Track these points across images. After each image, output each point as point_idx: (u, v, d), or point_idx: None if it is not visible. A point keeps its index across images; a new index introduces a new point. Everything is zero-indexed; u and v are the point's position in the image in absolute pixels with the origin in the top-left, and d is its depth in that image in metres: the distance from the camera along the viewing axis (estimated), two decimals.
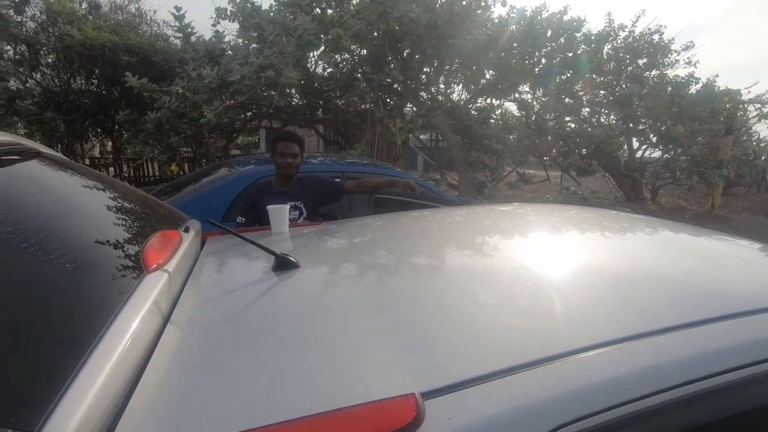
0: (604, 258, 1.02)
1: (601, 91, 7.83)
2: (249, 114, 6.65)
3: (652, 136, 7.96)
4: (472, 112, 6.68)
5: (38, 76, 6.01)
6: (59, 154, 1.11)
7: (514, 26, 6.00)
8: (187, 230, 1.03)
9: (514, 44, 6.15)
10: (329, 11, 5.12)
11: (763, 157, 9.75)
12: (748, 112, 9.09)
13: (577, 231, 1.32)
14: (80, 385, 0.48)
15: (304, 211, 2.15)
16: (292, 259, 0.94)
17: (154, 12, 6.78)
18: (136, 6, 6.85)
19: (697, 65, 7.50)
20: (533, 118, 7.63)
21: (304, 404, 0.52)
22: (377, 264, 1.05)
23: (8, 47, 5.46)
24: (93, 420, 0.47)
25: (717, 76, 7.42)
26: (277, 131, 7.47)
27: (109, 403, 0.50)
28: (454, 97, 7.12)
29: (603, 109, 7.98)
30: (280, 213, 1.33)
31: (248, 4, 5.34)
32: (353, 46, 5.66)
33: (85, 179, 1.02)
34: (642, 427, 0.55)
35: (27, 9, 5.23)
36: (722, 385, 0.60)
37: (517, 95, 7.44)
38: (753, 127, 9.76)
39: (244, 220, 2.13)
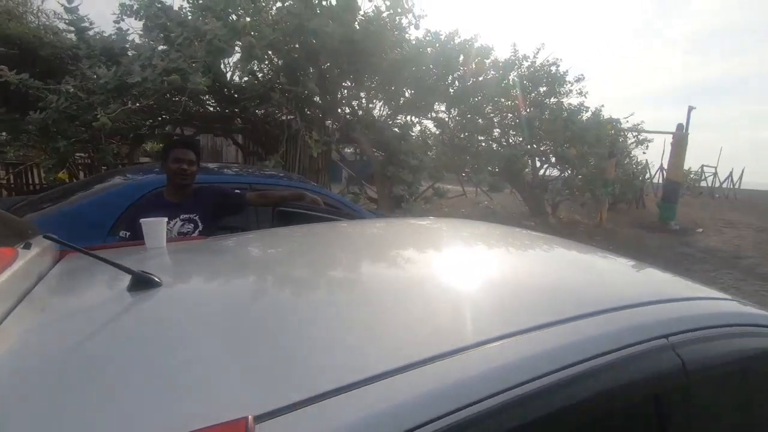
0: (490, 269, 1.09)
1: (509, 114, 8.54)
2: (158, 120, 6.18)
3: (551, 156, 8.81)
4: (394, 129, 6.88)
5: None
6: None
7: (429, 48, 6.33)
8: (28, 246, 0.91)
9: (430, 66, 6.49)
10: (248, 19, 4.97)
11: (640, 178, 11.27)
12: (627, 139, 10.47)
13: (466, 243, 1.39)
14: None
15: (199, 224, 2.02)
16: (154, 277, 0.87)
17: (42, 1, 6.01)
18: None
19: (587, 95, 8.52)
20: (449, 136, 8.06)
21: None
22: (249, 280, 1.01)
23: None
24: None
25: (603, 105, 8.46)
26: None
27: None
28: (376, 113, 7.30)
29: (510, 131, 8.69)
30: (155, 226, 1.23)
31: (157, 4, 5.01)
32: (271, 56, 5.56)
33: None
34: (497, 420, 0.59)
35: None
36: (582, 373, 0.67)
37: (434, 114, 7.83)
38: (632, 152, 11.28)
39: (128, 234, 1.95)
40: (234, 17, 4.97)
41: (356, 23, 4.87)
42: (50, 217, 2.48)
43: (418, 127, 8.16)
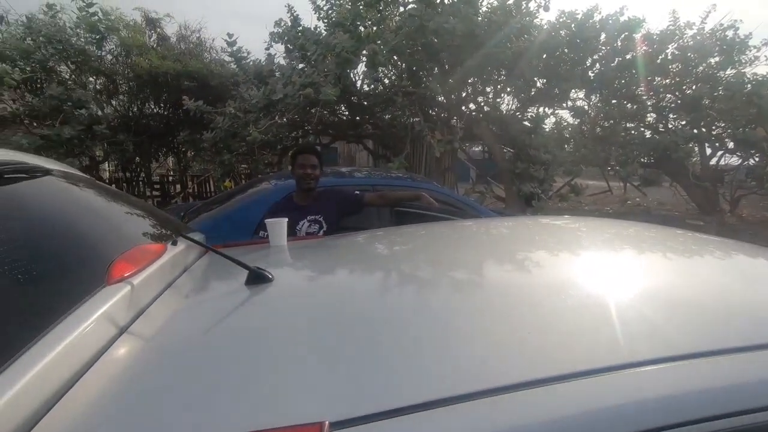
0: (643, 277, 0.91)
1: (667, 95, 7.24)
2: (301, 131, 6.91)
3: (727, 141, 7.19)
4: (524, 122, 6.46)
5: (116, 103, 6.70)
6: (72, 170, 1.21)
7: (563, 31, 5.76)
8: (175, 243, 1.07)
9: (565, 50, 5.90)
10: (374, 28, 5.23)
11: None
12: None
13: (621, 248, 1.19)
14: None
15: (324, 224, 2.17)
16: (266, 273, 0.94)
17: (213, 40, 7.37)
18: (197, 36, 7.46)
19: None
20: (588, 126, 7.21)
21: (201, 428, 0.50)
22: (358, 278, 1.02)
23: (91, 79, 6.16)
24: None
25: None
26: (325, 146, 7.72)
27: (24, 412, 0.52)
28: (504, 107, 6.94)
29: (670, 114, 7.36)
30: (277, 226, 1.35)
31: (298, 28, 5.62)
32: (395, 61, 5.73)
33: (89, 194, 1.10)
34: None
35: (105, 44, 5.88)
36: None
37: (570, 102, 7.10)
38: None
39: (266, 234, 2.19)
40: (362, 29, 5.28)
41: (479, 16, 4.70)
42: (213, 219, 2.95)
43: (552, 119, 7.50)
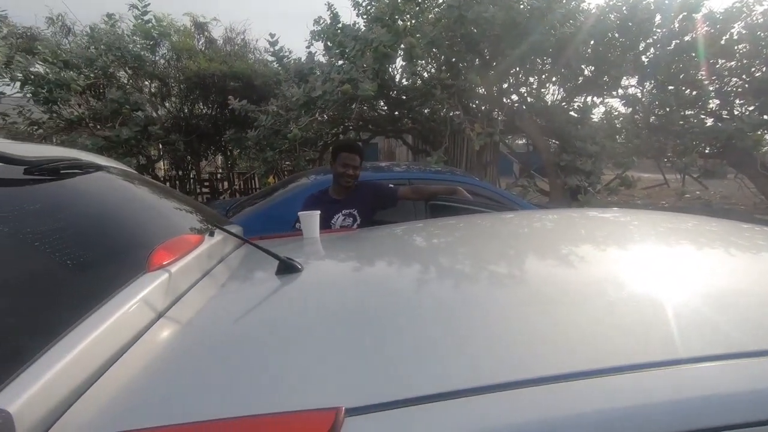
0: (699, 272, 0.85)
1: (733, 78, 6.65)
2: (341, 127, 6.99)
3: None
4: (571, 113, 6.18)
5: (168, 105, 7.09)
6: (123, 167, 1.29)
7: (613, 14, 5.45)
8: (212, 234, 1.12)
9: (615, 34, 5.58)
10: (413, 21, 5.19)
11: None
12: None
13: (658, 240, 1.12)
14: (35, 370, 0.54)
15: (358, 218, 2.19)
16: (296, 263, 0.96)
17: (257, 41, 7.66)
18: (242, 37, 7.75)
19: None
20: (642, 115, 6.76)
21: (225, 408, 0.52)
22: (385, 270, 1.02)
23: (146, 83, 6.56)
24: (43, 403, 0.52)
25: None
26: (365, 142, 7.76)
27: (67, 386, 0.56)
28: (549, 97, 6.66)
29: (735, 99, 6.75)
30: (310, 219, 1.37)
31: (338, 25, 5.68)
32: (435, 53, 5.66)
33: (135, 189, 1.17)
34: None
35: (158, 49, 6.24)
36: None
37: (621, 90, 6.69)
38: None
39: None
40: (400, 22, 5.25)
41: (520, 4, 4.53)
42: (255, 213, 3.07)
43: (601, 108, 7.11)
